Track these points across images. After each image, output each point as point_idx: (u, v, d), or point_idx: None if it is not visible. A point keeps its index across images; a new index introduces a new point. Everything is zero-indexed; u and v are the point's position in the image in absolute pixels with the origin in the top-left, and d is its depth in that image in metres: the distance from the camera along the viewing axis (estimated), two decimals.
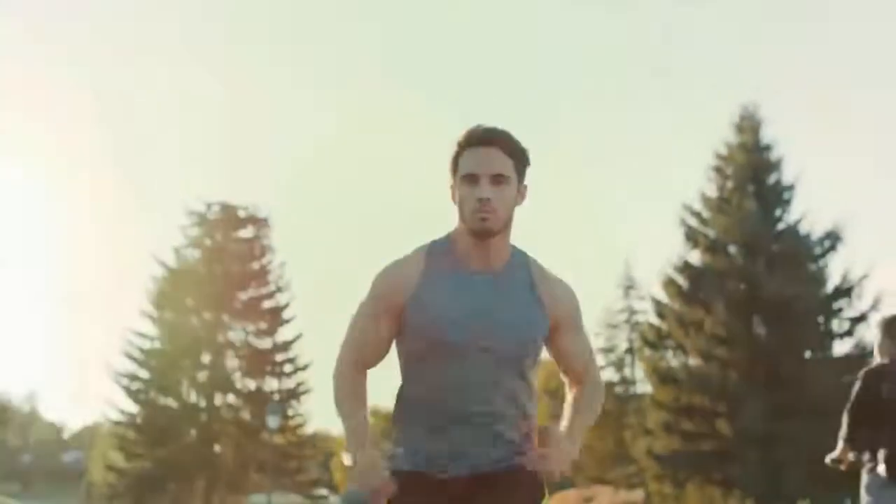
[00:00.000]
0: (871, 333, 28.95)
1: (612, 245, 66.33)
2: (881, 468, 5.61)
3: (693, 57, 71.58)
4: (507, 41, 77.24)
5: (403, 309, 2.90)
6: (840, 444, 5.88)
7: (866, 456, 5.74)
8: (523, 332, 2.89)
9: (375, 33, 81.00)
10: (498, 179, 2.85)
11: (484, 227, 2.84)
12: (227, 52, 78.91)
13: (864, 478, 5.79)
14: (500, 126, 2.95)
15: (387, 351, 2.98)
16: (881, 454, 5.62)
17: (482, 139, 2.88)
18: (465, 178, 2.87)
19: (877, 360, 5.86)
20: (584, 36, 76.30)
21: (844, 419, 5.84)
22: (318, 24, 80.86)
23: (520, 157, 2.91)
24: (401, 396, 2.98)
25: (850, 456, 5.87)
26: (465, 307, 2.86)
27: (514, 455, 2.91)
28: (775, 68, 61.11)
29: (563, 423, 3.05)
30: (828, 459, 6.08)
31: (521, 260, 2.97)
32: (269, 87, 78.84)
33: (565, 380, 3.12)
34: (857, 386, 5.75)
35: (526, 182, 2.96)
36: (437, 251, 2.95)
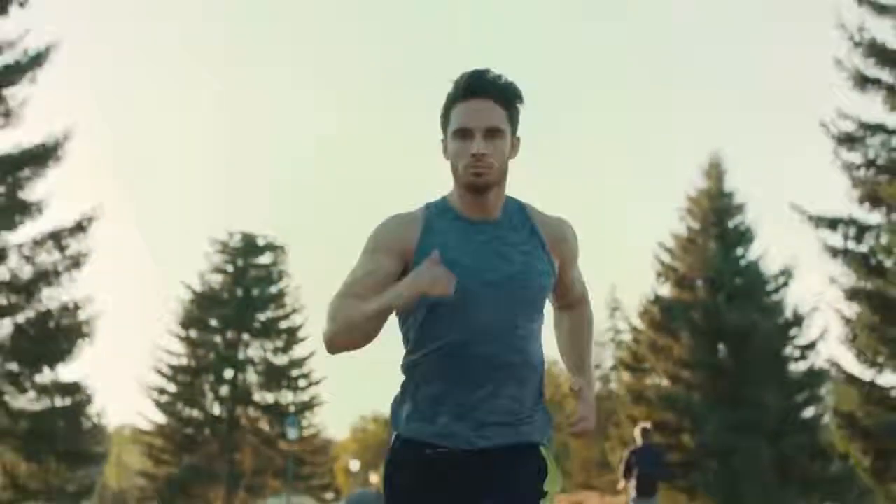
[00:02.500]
0: (820, 359, 35.40)
1: (602, 267, 71.96)
2: (633, 492, 12.41)
3: (684, 96, 77.17)
4: (508, 44, 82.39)
5: (410, 259, 2.93)
6: (622, 480, 12.54)
7: (630, 484, 12.47)
8: (537, 279, 2.95)
9: (389, 55, 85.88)
10: (492, 133, 2.88)
11: (479, 182, 2.88)
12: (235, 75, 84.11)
13: (629, 496, 12.57)
14: (492, 71, 2.94)
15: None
16: (632, 483, 12.38)
17: (475, 90, 2.90)
18: (457, 132, 2.90)
19: (637, 443, 12.69)
20: (583, 55, 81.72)
21: (621, 468, 12.57)
22: (325, 32, 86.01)
23: (513, 105, 2.94)
24: (412, 358, 2.99)
25: (627, 486, 12.55)
26: (473, 253, 2.92)
27: (513, 421, 2.95)
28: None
29: (572, 361, 3.27)
30: (618, 487, 12.71)
31: (515, 205, 3.04)
32: (278, 114, 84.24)
33: (555, 303, 3.26)
34: (625, 455, 12.54)
35: (518, 135, 2.98)
36: (435, 207, 3.01)
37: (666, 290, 37.02)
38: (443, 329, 2.91)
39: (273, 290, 43.34)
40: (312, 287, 79.90)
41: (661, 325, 36.48)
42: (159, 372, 41.71)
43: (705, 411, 34.49)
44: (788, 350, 36.03)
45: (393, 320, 2.95)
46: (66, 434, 22.68)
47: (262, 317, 42.89)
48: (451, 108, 2.93)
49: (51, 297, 22.63)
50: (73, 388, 23.17)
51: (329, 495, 48.53)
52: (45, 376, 22.73)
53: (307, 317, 43.62)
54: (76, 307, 22.62)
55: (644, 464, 13.12)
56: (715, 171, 37.14)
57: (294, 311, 43.42)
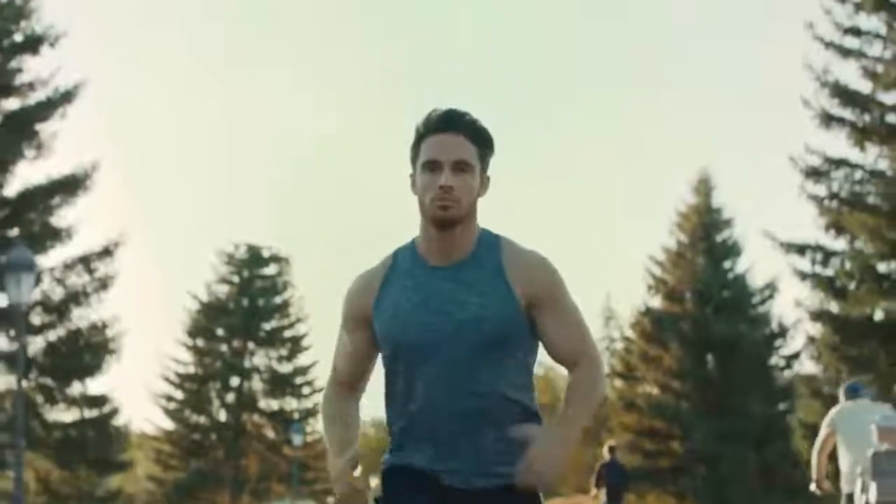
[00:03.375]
0: (804, 369, 37.81)
1: (595, 276, 73.86)
2: (604, 498, 15.04)
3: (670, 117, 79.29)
4: (505, 47, 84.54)
5: (372, 322, 2.99)
6: (594, 489, 15.13)
7: (601, 492, 15.07)
8: (493, 320, 2.87)
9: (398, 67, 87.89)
10: (461, 167, 2.90)
11: (445, 216, 2.89)
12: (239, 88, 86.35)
13: (600, 501, 15.19)
14: (462, 109, 2.99)
15: (367, 365, 3.08)
16: (603, 492, 15.01)
17: (444, 125, 2.93)
18: (425, 165, 2.91)
19: (606, 458, 15.33)
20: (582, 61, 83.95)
21: (593, 479, 15.14)
22: (325, 33, 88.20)
23: (484, 144, 2.96)
24: (386, 407, 3.05)
25: (599, 493, 15.17)
26: (423, 305, 2.92)
27: (507, 463, 2.89)
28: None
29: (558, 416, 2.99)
30: (590, 494, 15.26)
31: (490, 243, 2.99)
32: (278, 116, 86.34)
33: (561, 365, 3.03)
34: (597, 468, 15.17)
35: (489, 174, 3.00)
36: (402, 253, 3.02)
37: (657, 302, 39.47)
38: (403, 381, 2.96)
39: (278, 300, 45.55)
40: (316, 297, 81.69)
41: (651, 335, 38.94)
42: (167, 380, 43.77)
43: (694, 419, 36.90)
44: (774, 360, 38.52)
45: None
46: (95, 443, 25.25)
47: (266, 326, 45.15)
48: (421, 141, 2.96)
49: (80, 317, 25.18)
50: (100, 401, 25.76)
51: (331, 499, 50.69)
52: (75, 389, 25.26)
53: (311, 326, 45.73)
54: (104, 326, 25.17)
55: (611, 476, 16.09)
56: (703, 188, 39.54)
57: (298, 320, 45.64)
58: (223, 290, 45.48)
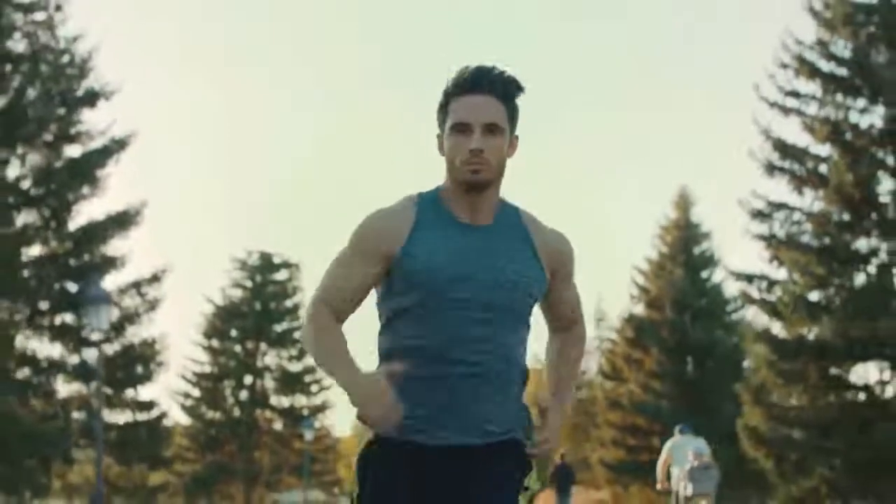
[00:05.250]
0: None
1: (588, 279, 79.30)
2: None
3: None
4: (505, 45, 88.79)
5: (392, 260, 3.03)
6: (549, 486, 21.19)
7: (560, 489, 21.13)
8: (525, 287, 3.05)
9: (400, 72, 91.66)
10: (491, 129, 2.98)
11: (476, 179, 2.98)
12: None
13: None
14: (491, 65, 3.05)
15: (361, 302, 3.12)
16: (557, 489, 21.05)
17: (474, 85, 3.01)
18: (454, 127, 3.00)
19: (557, 461, 21.34)
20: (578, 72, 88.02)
21: (547, 479, 21.18)
22: (325, 33, 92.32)
23: (514, 104, 3.06)
24: (384, 354, 3.10)
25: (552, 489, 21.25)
26: (464, 259, 3.01)
27: (498, 422, 3.05)
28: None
29: (552, 379, 3.29)
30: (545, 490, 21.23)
31: (511, 212, 3.13)
32: (279, 118, 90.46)
33: (549, 326, 3.31)
34: (551, 470, 21.11)
35: (517, 133, 3.09)
36: (426, 203, 3.09)
37: (640, 310, 45.16)
38: (423, 331, 3.03)
39: (288, 303, 50.61)
40: None
41: (634, 340, 44.63)
42: (184, 378, 48.72)
43: (673, 417, 42.16)
44: (747, 363, 43.90)
45: (370, 299, 3.15)
46: (146, 442, 31.05)
47: (278, 328, 50.04)
48: (450, 102, 3.04)
49: (133, 334, 30.87)
50: (150, 405, 31.61)
51: (338, 489, 56.00)
52: (129, 396, 31.06)
53: None
54: (153, 341, 30.87)
55: (561, 475, 21.78)
56: (683, 203, 45.10)
57: None
58: (237, 294, 50.25)
